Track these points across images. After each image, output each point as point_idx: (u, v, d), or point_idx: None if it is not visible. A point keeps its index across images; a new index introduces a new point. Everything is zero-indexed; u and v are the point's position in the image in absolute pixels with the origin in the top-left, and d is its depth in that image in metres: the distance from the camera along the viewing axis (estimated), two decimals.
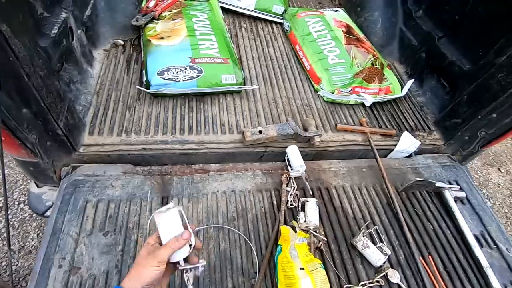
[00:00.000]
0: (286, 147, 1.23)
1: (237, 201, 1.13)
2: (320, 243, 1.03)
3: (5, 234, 0.81)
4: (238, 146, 1.24)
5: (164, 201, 1.09)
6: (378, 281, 0.98)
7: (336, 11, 1.91)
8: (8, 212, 1.79)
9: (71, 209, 1.02)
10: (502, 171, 2.55)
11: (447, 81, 1.49)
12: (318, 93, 1.52)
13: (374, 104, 1.51)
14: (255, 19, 1.91)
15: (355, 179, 1.27)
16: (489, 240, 1.17)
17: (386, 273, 0.99)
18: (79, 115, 1.16)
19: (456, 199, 1.24)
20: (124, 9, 1.57)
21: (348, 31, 1.71)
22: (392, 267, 1.03)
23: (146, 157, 1.19)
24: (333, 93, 1.46)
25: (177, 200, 1.10)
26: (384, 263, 1.01)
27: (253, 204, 1.13)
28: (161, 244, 0.67)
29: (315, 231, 1.05)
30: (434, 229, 1.16)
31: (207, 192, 1.13)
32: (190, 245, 0.67)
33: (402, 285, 0.99)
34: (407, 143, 1.38)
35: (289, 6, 1.99)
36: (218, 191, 1.14)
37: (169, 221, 0.67)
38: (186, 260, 0.68)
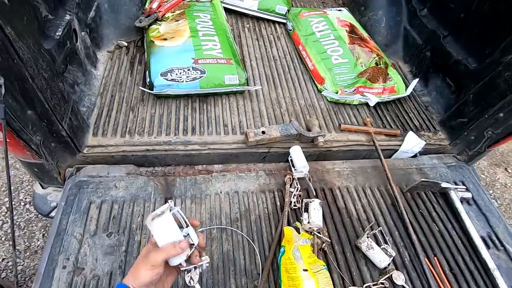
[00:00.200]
0: (290, 147, 1.22)
1: (240, 202, 1.13)
2: (324, 244, 1.03)
3: (11, 235, 0.82)
4: (241, 147, 1.24)
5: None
6: (382, 283, 0.97)
7: (339, 10, 1.90)
8: (14, 213, 1.80)
9: (75, 210, 1.02)
10: (510, 171, 2.51)
11: (453, 80, 1.47)
12: (322, 93, 1.51)
13: (378, 104, 1.50)
14: (258, 19, 1.90)
15: (359, 179, 1.26)
16: (496, 241, 1.15)
17: (391, 275, 0.98)
18: (83, 116, 1.17)
19: (462, 200, 1.23)
20: (128, 11, 1.58)
21: (352, 31, 1.70)
22: (397, 268, 1.01)
23: (149, 158, 1.19)
24: (336, 93, 1.45)
25: (180, 201, 1.10)
26: (388, 264, 1.00)
27: (256, 205, 1.12)
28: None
29: (319, 232, 1.04)
30: (439, 230, 1.15)
31: (210, 193, 1.13)
32: (192, 245, 0.65)
33: (407, 287, 0.98)
34: (412, 143, 1.37)
35: (292, 6, 1.99)
36: (221, 192, 1.14)
37: (163, 227, 0.63)
38: (188, 260, 0.66)
